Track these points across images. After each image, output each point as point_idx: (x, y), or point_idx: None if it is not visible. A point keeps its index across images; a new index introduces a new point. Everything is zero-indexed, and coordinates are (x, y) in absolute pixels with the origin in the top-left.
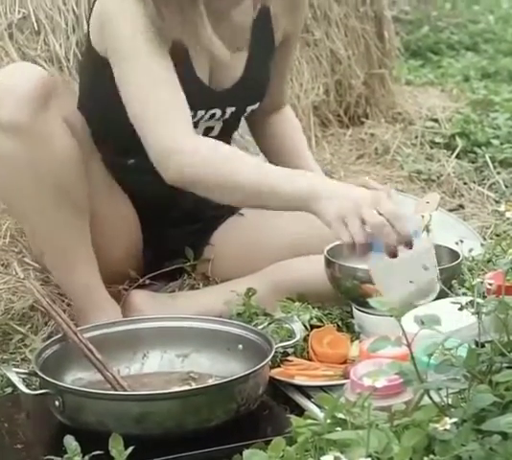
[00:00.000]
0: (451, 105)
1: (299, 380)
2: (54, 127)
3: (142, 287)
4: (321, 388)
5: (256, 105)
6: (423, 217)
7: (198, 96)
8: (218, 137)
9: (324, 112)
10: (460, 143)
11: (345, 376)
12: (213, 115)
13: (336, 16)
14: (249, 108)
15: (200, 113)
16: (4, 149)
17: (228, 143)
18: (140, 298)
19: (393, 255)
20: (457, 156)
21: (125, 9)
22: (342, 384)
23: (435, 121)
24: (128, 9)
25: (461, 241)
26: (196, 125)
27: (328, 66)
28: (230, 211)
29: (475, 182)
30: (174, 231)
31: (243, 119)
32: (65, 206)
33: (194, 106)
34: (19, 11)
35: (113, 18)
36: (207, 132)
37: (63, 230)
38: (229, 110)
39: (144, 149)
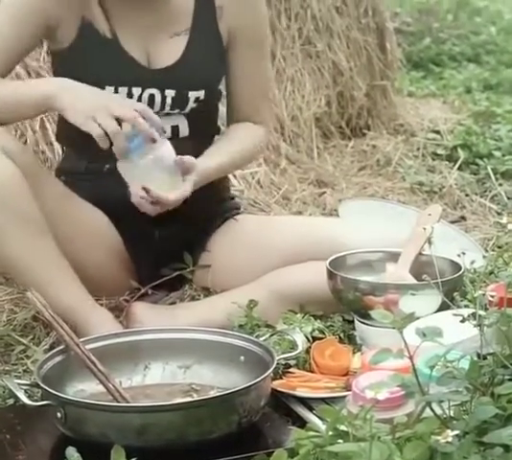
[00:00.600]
0: (452, 117)
1: (301, 392)
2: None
3: (142, 296)
4: (323, 400)
5: (200, 93)
6: (425, 229)
7: (131, 73)
8: (190, 139)
9: (326, 124)
10: (462, 154)
11: (347, 388)
12: (152, 96)
13: (338, 28)
14: (193, 95)
15: (136, 91)
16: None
17: (207, 146)
18: (142, 310)
19: (152, 140)
20: (459, 168)
21: None
22: (344, 396)
23: (437, 132)
24: None
25: (463, 254)
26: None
27: (330, 78)
28: (223, 214)
29: (476, 194)
30: (163, 232)
31: None
32: (26, 233)
33: (127, 83)
34: None
35: None
36: (175, 132)
37: (26, 253)
38: (169, 94)
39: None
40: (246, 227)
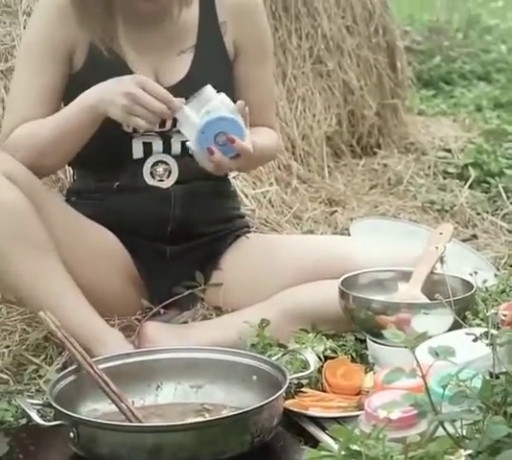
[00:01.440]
0: (463, 135)
1: (313, 412)
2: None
3: (154, 315)
4: (335, 420)
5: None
6: (437, 248)
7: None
8: None
9: (337, 142)
10: (473, 173)
11: (360, 407)
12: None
13: (348, 47)
14: None
15: None
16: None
17: None
18: (154, 329)
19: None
20: (470, 186)
21: (32, 19)
22: (357, 416)
23: (448, 151)
24: (35, 19)
25: (475, 273)
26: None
27: (341, 97)
28: (234, 232)
29: (488, 212)
30: (174, 250)
31: None
32: (31, 253)
33: None
34: None
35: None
36: (186, 147)
37: (32, 275)
38: None
39: (126, 170)
40: (258, 246)
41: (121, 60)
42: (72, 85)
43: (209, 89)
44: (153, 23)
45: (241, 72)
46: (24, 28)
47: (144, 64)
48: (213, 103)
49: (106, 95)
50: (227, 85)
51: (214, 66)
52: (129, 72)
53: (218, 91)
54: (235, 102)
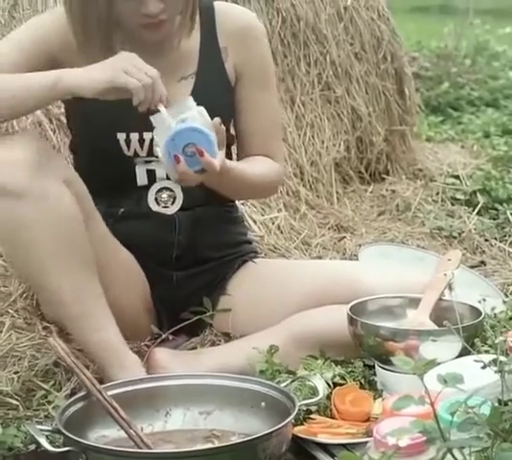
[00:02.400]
0: (471, 162)
1: (322, 438)
2: (52, 189)
3: (163, 341)
4: (344, 446)
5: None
6: (445, 275)
7: (142, 118)
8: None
9: (345, 169)
10: (481, 199)
11: (368, 434)
12: None
13: (357, 74)
14: None
15: (147, 135)
16: (5, 214)
17: None
18: (163, 355)
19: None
20: (479, 213)
21: (38, 18)
22: (365, 442)
23: (456, 177)
24: (40, 21)
25: (484, 300)
26: (151, 143)
27: (349, 123)
28: (241, 257)
29: (496, 239)
30: (181, 275)
31: None
32: (72, 263)
33: (138, 128)
34: None
35: None
36: None
37: (75, 288)
38: None
39: (131, 196)
40: (265, 271)
41: None
42: (74, 111)
43: (190, 100)
44: (154, 51)
45: (242, 97)
46: None
47: None
48: (191, 112)
49: (88, 71)
50: (228, 112)
51: (215, 93)
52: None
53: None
54: (237, 128)
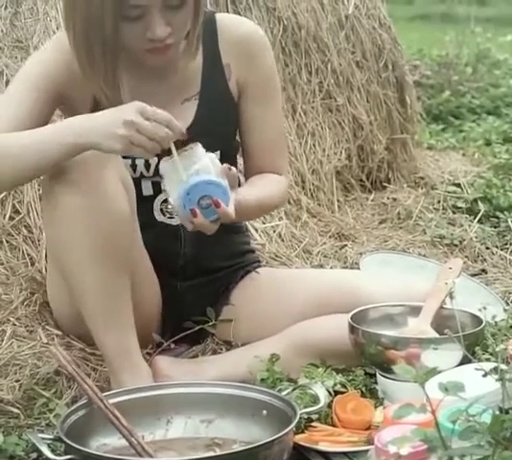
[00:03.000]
0: (472, 170)
1: (323, 446)
2: (110, 186)
3: (164, 350)
4: (345, 454)
5: (216, 153)
6: (446, 283)
7: None
8: None
9: (346, 177)
10: (482, 207)
11: (369, 442)
12: None
13: (358, 82)
14: None
15: (153, 160)
16: (62, 202)
17: None
18: (164, 364)
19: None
20: (480, 221)
21: (39, 53)
22: (367, 451)
23: (457, 185)
24: (41, 54)
25: (484, 308)
26: (156, 168)
27: (350, 131)
28: (244, 268)
29: (497, 247)
30: (185, 285)
31: None
32: (112, 264)
33: None
34: None
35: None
36: None
37: (108, 289)
38: None
39: (137, 206)
40: (268, 280)
41: None
42: None
43: (199, 148)
44: (157, 74)
45: (246, 112)
46: None
47: None
48: (202, 162)
49: (101, 127)
50: (232, 131)
51: (219, 113)
52: None
53: (211, 150)
54: (242, 141)
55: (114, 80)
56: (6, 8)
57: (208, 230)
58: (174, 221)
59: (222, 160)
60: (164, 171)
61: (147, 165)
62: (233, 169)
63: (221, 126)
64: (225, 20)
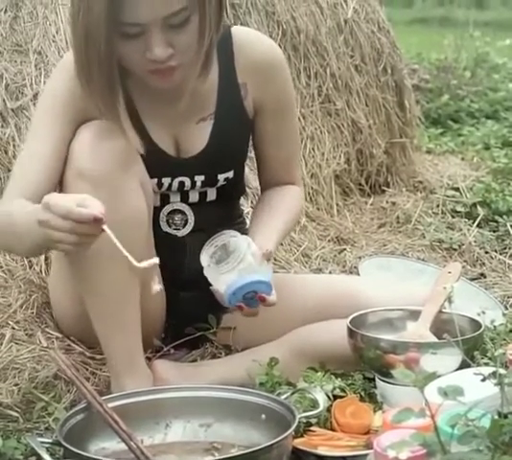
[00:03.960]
0: (471, 174)
1: (322, 451)
2: (131, 187)
3: (164, 354)
4: (344, 459)
5: (229, 174)
6: (445, 288)
7: (161, 165)
8: (217, 202)
9: (345, 181)
10: (481, 212)
11: (368, 446)
12: (182, 183)
13: (357, 86)
14: (222, 177)
15: (166, 181)
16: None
17: (233, 208)
18: (164, 368)
19: None
20: (479, 225)
21: (52, 81)
22: (365, 455)
23: (456, 189)
24: (53, 83)
25: (483, 313)
26: (169, 189)
27: (349, 135)
28: None
29: (496, 251)
30: (187, 294)
31: None
32: (122, 263)
33: (157, 174)
34: (44, 82)
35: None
36: (202, 197)
37: (120, 292)
38: (199, 179)
39: None
40: None
41: (143, 130)
42: None
43: (241, 240)
44: (168, 96)
45: (262, 130)
46: (35, 66)
47: (164, 134)
48: (246, 261)
49: (32, 227)
50: (246, 149)
51: (234, 132)
52: (150, 141)
53: (225, 170)
54: (257, 156)
55: (112, 100)
56: (5, 12)
57: (253, 315)
58: (180, 233)
59: (233, 183)
60: (205, 262)
61: (159, 183)
62: (268, 249)
63: (236, 146)
64: (242, 37)
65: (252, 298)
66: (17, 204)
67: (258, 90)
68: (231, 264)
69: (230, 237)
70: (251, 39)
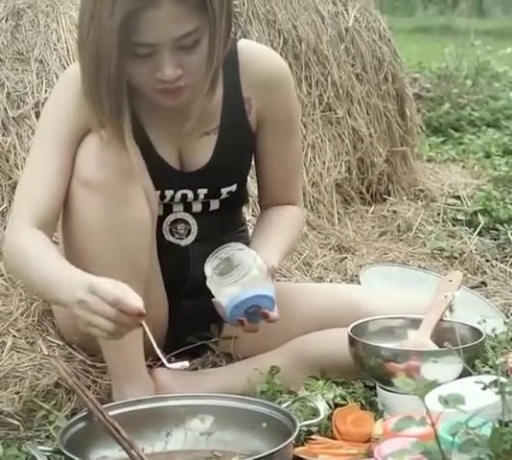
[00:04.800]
0: (472, 182)
1: (323, 459)
2: (135, 195)
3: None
4: None
5: (232, 187)
6: (446, 296)
7: (165, 177)
8: (220, 211)
9: (346, 189)
10: (482, 220)
11: (369, 454)
12: (185, 195)
13: (358, 95)
14: (225, 190)
15: (169, 193)
16: (84, 204)
17: (235, 217)
18: (165, 376)
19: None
20: (479, 233)
21: (51, 100)
22: None
23: (457, 198)
24: (54, 101)
25: (484, 321)
26: (171, 200)
27: (350, 144)
28: None
29: (497, 259)
30: (189, 303)
31: None
32: (127, 271)
33: (160, 186)
34: (46, 90)
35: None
36: (205, 206)
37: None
38: (202, 192)
39: None
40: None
41: (148, 143)
42: None
43: (246, 253)
44: (174, 114)
45: (264, 145)
46: (36, 75)
47: (168, 147)
48: (251, 274)
49: (69, 300)
50: (249, 164)
51: (237, 147)
52: (155, 154)
53: (228, 184)
54: (258, 172)
55: (118, 119)
56: (7, 20)
57: (254, 331)
58: (183, 242)
59: (236, 195)
60: (208, 273)
61: (162, 195)
62: (272, 265)
63: (239, 160)
64: (248, 52)
65: (254, 313)
66: (40, 242)
67: (262, 105)
68: (235, 277)
69: (236, 250)
70: (257, 54)
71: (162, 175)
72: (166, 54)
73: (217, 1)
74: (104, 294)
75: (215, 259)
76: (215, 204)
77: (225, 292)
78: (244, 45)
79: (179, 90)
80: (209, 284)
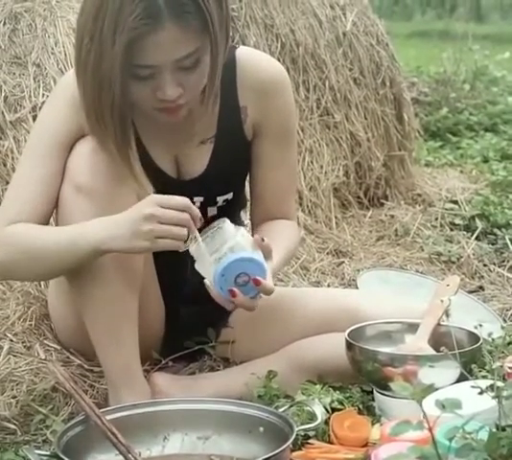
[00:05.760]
0: (470, 187)
1: None
2: (128, 200)
3: (162, 367)
4: None
5: (228, 195)
6: (442, 301)
7: (161, 186)
8: (217, 217)
9: (344, 194)
10: (480, 224)
11: (366, 459)
12: None
13: (355, 99)
14: (221, 198)
15: None
16: (76, 209)
17: (233, 221)
18: (162, 380)
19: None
20: (477, 238)
21: (45, 109)
22: None
23: (455, 202)
24: (48, 109)
25: (480, 326)
26: None
27: (348, 148)
28: None
29: (494, 264)
30: (188, 309)
31: None
32: (121, 276)
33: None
34: (43, 94)
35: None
36: (203, 214)
37: (117, 307)
38: (198, 200)
39: None
40: (267, 301)
41: (144, 151)
42: None
43: (228, 224)
44: (172, 128)
45: (260, 154)
46: (34, 79)
47: (165, 155)
48: (235, 240)
49: (126, 232)
50: (246, 173)
51: (233, 156)
52: (153, 164)
53: (225, 192)
54: (252, 183)
55: (124, 138)
56: (4, 24)
57: (250, 307)
58: (181, 249)
59: (233, 202)
60: (195, 254)
61: None
62: (265, 239)
63: (235, 169)
64: (246, 59)
65: (246, 285)
66: (32, 227)
67: (258, 113)
68: (218, 244)
69: (221, 222)
70: (255, 63)
71: (159, 184)
72: (167, 74)
73: (217, 21)
74: (175, 202)
75: (203, 234)
76: (212, 211)
77: (209, 264)
78: (241, 54)
79: (179, 108)
80: (197, 266)
